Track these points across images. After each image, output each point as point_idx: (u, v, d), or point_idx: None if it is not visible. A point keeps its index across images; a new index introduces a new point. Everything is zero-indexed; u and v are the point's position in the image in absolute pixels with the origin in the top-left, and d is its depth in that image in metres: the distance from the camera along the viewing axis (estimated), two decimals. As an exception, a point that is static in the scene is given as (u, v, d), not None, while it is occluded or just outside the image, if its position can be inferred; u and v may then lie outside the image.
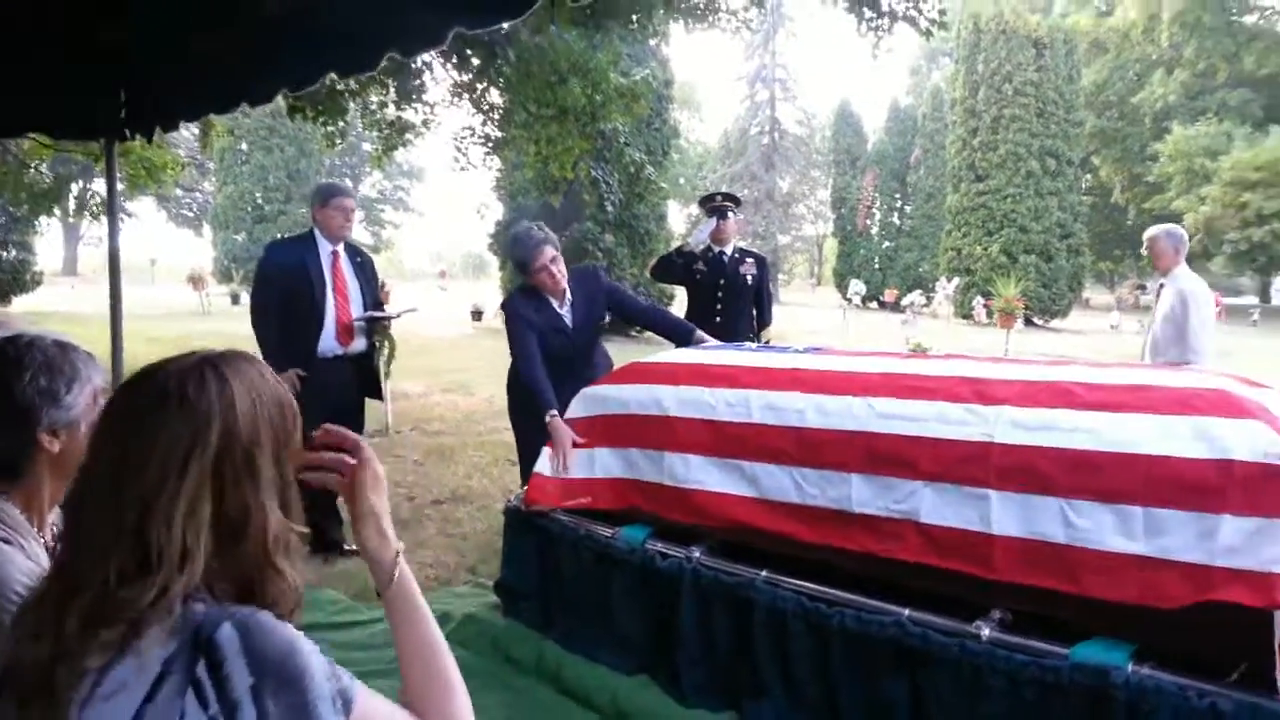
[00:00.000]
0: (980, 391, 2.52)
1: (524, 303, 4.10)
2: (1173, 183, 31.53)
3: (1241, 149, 28.72)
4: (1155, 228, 5.67)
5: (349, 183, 54.55)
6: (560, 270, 4.08)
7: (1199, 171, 30.09)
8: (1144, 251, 5.58)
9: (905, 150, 39.92)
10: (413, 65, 8.41)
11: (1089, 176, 38.21)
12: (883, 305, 34.17)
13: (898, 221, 40.59)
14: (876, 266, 39.39)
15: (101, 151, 3.81)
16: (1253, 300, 37.40)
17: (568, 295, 4.16)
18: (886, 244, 40.42)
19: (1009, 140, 29.40)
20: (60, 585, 1.01)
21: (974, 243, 29.53)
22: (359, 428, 4.84)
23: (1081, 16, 38.13)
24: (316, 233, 4.62)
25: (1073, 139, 30.69)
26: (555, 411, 3.61)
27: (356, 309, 4.68)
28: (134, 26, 2.36)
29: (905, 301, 30.21)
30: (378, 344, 5.16)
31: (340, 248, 4.68)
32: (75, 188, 19.93)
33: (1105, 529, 2.17)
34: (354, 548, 4.69)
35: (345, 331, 4.65)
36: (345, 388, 4.67)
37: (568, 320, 4.15)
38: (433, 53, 8.22)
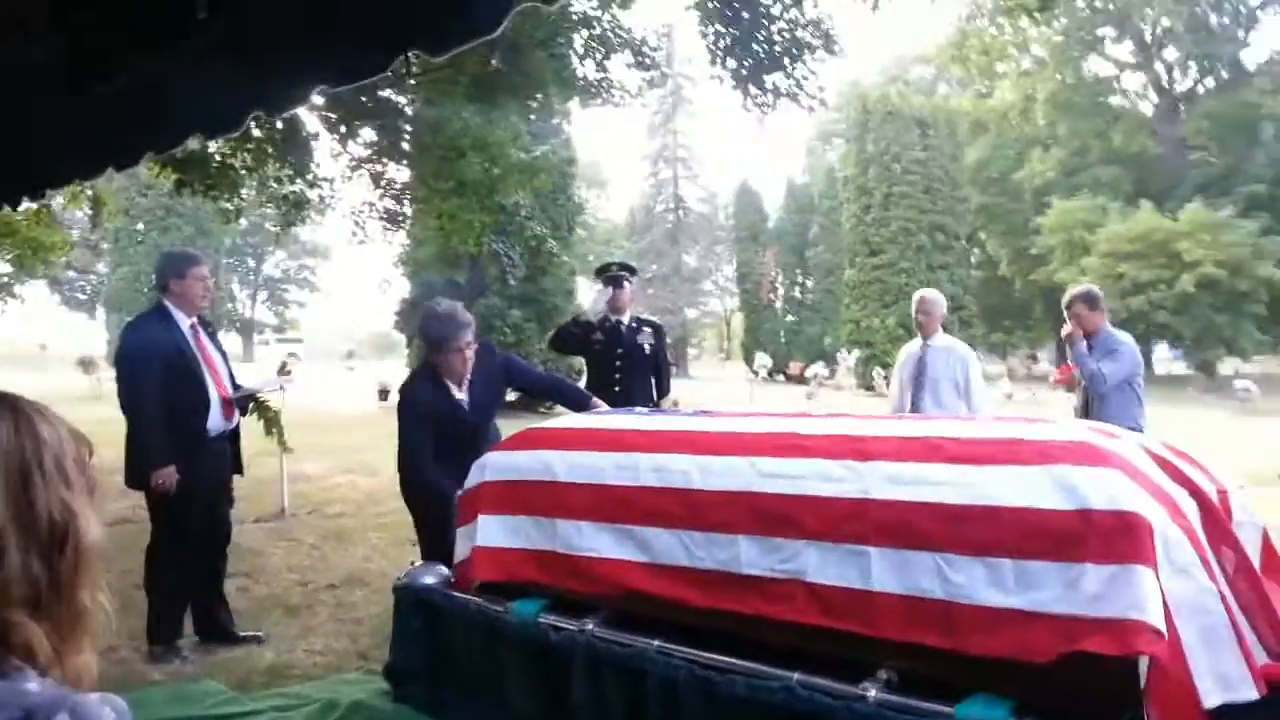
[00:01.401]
0: (857, 448, 2.56)
1: (423, 388, 4.04)
2: (1055, 254, 33.18)
3: (1116, 222, 30.49)
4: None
5: (250, 261, 53.50)
6: (470, 357, 4.04)
7: (1078, 243, 31.73)
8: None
9: (804, 226, 41.26)
10: (308, 140, 8.37)
11: (976, 250, 39.99)
12: (789, 378, 34.82)
13: (800, 296, 41.71)
14: (782, 340, 40.26)
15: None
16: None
17: (466, 379, 4.11)
18: (790, 318, 41.43)
19: (900, 216, 30.69)
20: None
21: (871, 315, 30.49)
22: (230, 504, 4.69)
23: (963, 98, 40.37)
24: (170, 308, 4.40)
25: (959, 215, 32.23)
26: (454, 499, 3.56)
27: (226, 383, 4.54)
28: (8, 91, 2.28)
29: (809, 374, 30.92)
30: (257, 419, 5.02)
31: (194, 320, 4.49)
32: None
33: (979, 582, 2.20)
34: (250, 633, 4.50)
35: (228, 407, 4.52)
36: (223, 466, 4.52)
37: (465, 405, 4.09)
38: (324, 128, 8.21)
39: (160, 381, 4.25)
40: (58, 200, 12.14)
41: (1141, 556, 1.98)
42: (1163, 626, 1.92)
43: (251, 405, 4.93)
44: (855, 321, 31.26)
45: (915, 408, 5.47)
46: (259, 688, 3.93)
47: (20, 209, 7.39)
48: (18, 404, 1.01)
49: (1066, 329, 5.28)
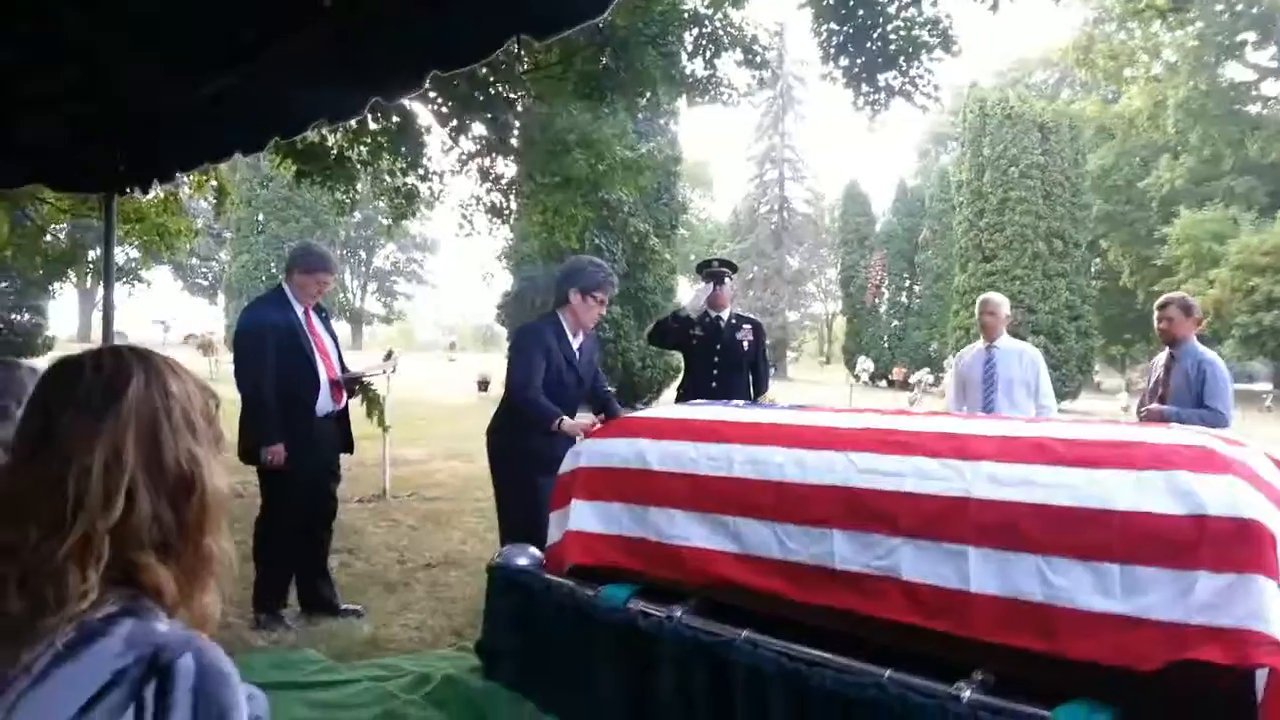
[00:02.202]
0: (958, 447, 2.50)
1: (547, 329, 4.27)
2: (1181, 266, 31.66)
3: (1248, 234, 28.90)
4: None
5: (362, 254, 55.29)
6: (602, 313, 4.38)
7: (1207, 255, 30.22)
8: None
9: (913, 230, 40.37)
10: (421, 134, 8.60)
11: (1097, 260, 38.44)
12: (891, 383, 34.14)
13: (906, 300, 40.83)
14: (885, 345, 39.50)
15: (100, 205, 3.87)
16: (1266, 386, 37.21)
17: (582, 335, 4.36)
18: (895, 322, 40.59)
19: (1015, 222, 29.67)
20: None
21: (981, 322, 29.62)
22: (337, 482, 4.84)
23: (1088, 103, 38.84)
24: (289, 294, 4.59)
25: (1080, 222, 30.97)
26: (561, 416, 3.80)
27: (336, 366, 4.70)
28: (132, 78, 2.43)
29: (913, 379, 30.19)
30: (360, 401, 5.20)
31: (309, 306, 4.68)
32: (93, 254, 20.25)
33: (1082, 587, 2.12)
34: (351, 607, 4.66)
35: (337, 389, 4.68)
36: (332, 445, 4.68)
37: (577, 356, 4.32)
38: (437, 122, 8.42)
39: (274, 361, 4.44)
40: (184, 189, 12.81)
41: (1262, 566, 1.88)
42: (1283, 639, 1.82)
43: (357, 387, 5.10)
44: (964, 328, 30.34)
45: (988, 409, 5.35)
46: (356, 658, 4.06)
47: (150, 194, 7.79)
48: (149, 358, 1.09)
49: (1146, 409, 4.95)
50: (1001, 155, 30.30)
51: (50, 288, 21.21)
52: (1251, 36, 35.51)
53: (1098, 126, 37.54)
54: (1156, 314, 5.08)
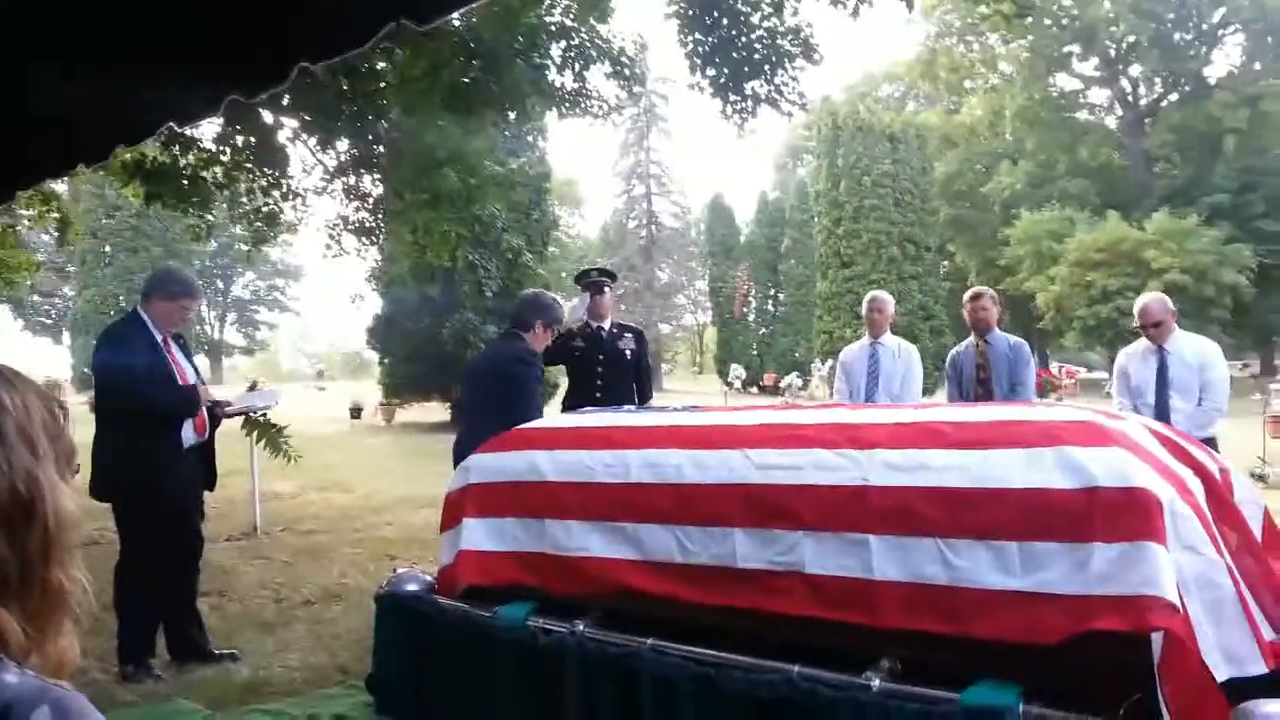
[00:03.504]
0: (853, 436, 2.52)
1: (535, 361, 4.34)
2: (1023, 265, 33.63)
3: (1084, 232, 30.96)
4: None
5: (219, 283, 52.97)
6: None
7: (1046, 254, 32.18)
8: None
9: (776, 240, 41.50)
10: (282, 150, 8.24)
11: (946, 262, 40.41)
12: (762, 389, 34.89)
13: (772, 309, 41.90)
14: (755, 352, 40.39)
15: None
16: (1103, 375, 39.88)
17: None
18: (763, 330, 41.59)
19: (871, 229, 30.97)
20: None
21: (844, 326, 30.63)
22: (202, 518, 4.56)
23: (932, 113, 40.92)
24: (147, 321, 4.30)
25: (929, 226, 32.57)
26: None
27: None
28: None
29: (783, 384, 31.04)
30: (256, 438, 4.97)
31: (166, 335, 4.39)
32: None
33: (983, 566, 2.16)
34: (225, 650, 4.37)
35: (200, 422, 4.41)
36: (196, 480, 4.41)
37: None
38: (300, 137, 8.09)
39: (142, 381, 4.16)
40: (23, 222, 11.94)
41: (1152, 532, 1.95)
42: (1177, 601, 1.89)
43: (246, 421, 4.86)
44: (828, 332, 31.43)
45: (870, 402, 5.57)
46: (235, 706, 3.81)
47: None
48: None
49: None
50: (855, 165, 31.59)
51: None
52: (1076, 49, 38.21)
53: (942, 136, 39.62)
54: (970, 305, 5.58)
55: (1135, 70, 38.71)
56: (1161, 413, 4.75)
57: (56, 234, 11.40)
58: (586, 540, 2.95)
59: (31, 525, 0.88)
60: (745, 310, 41.62)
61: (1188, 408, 4.84)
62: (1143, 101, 39.01)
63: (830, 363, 30.16)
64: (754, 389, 35.36)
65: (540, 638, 2.94)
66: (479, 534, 3.23)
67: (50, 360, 43.33)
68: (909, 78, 42.25)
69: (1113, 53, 38.04)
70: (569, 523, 3.00)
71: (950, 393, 5.73)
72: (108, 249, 34.18)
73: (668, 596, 2.75)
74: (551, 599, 3.05)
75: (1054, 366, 31.81)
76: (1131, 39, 36.78)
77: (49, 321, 47.48)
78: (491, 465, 3.29)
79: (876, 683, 2.26)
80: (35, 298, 42.30)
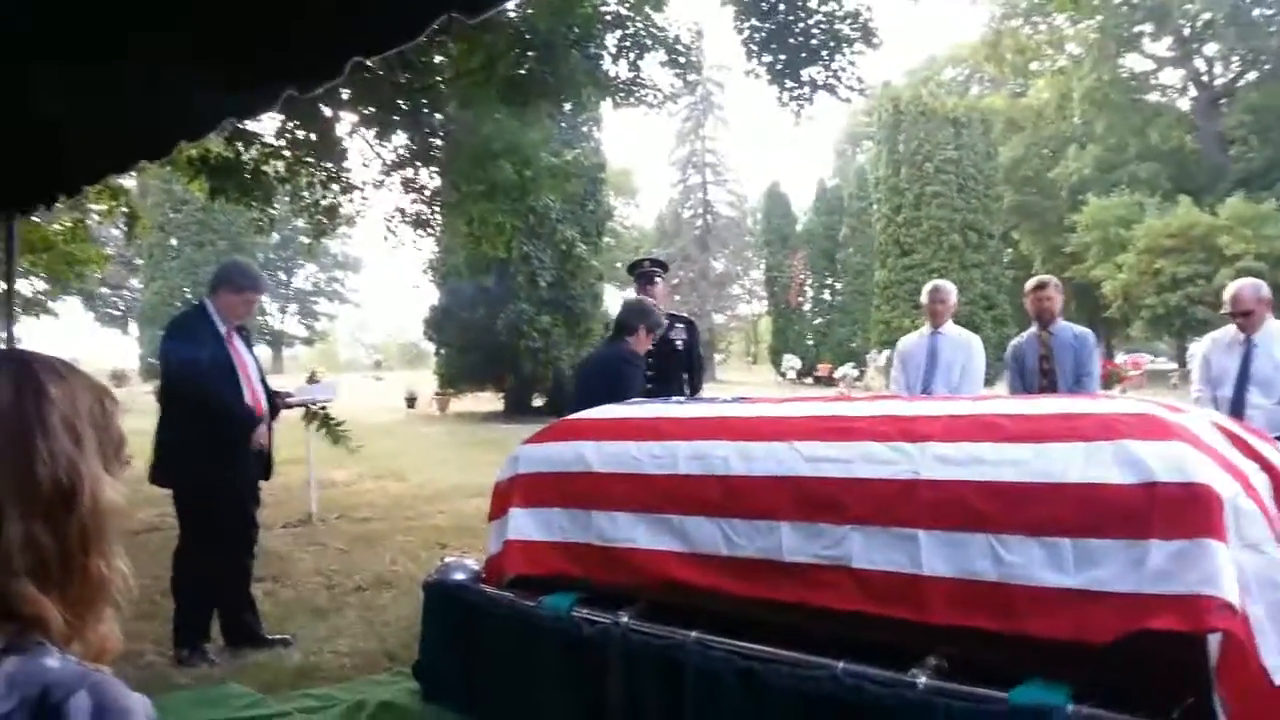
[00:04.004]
0: (905, 429, 2.47)
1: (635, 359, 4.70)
2: (1090, 252, 32.75)
3: (1153, 218, 30.02)
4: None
5: (281, 275, 54.11)
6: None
7: (1114, 241, 31.28)
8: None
9: (833, 229, 41.04)
10: (341, 143, 8.36)
11: (1010, 250, 39.56)
12: (817, 380, 34.59)
13: (829, 298, 41.45)
14: (810, 342, 40.04)
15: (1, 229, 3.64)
16: (1172, 365, 38.75)
17: None
18: (819, 320, 41.18)
19: (932, 216, 30.44)
20: None
21: (902, 315, 30.17)
22: (257, 506, 4.64)
23: (997, 97, 40.02)
24: (212, 313, 4.38)
25: (993, 213, 31.91)
26: None
27: (258, 387, 4.51)
28: (14, 86, 2.25)
29: (838, 375, 30.71)
30: (318, 428, 5.05)
31: (230, 327, 4.47)
32: (-3, 286, 19.28)
33: (1035, 563, 2.10)
34: (278, 636, 4.46)
35: (260, 413, 4.49)
36: (252, 469, 4.50)
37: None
38: (359, 129, 8.19)
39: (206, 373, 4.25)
40: (93, 217, 12.30)
41: (1212, 529, 1.87)
42: (1237, 601, 1.81)
43: (305, 413, 4.94)
44: (886, 322, 31.00)
45: (927, 394, 5.45)
46: (286, 690, 3.87)
47: (54, 211, 7.43)
48: (22, 360, 0.95)
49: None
50: (916, 151, 31.06)
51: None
52: (1148, 28, 37.04)
53: (1007, 120, 38.72)
54: (1034, 295, 5.38)
55: (1210, 49, 37.40)
56: (1238, 407, 4.56)
57: (125, 228, 11.72)
58: (632, 532, 2.94)
59: (72, 515, 0.90)
60: (801, 300, 41.25)
61: (1267, 404, 4.61)
62: (1218, 81, 37.67)
63: (887, 353, 29.76)
64: (809, 380, 35.08)
65: (584, 628, 2.94)
66: (526, 524, 3.23)
67: (118, 351, 44.75)
68: (973, 61, 41.40)
69: (1186, 31, 36.79)
70: (615, 514, 2.99)
71: (1012, 384, 5.58)
72: (174, 242, 35.09)
73: (712, 589, 2.72)
74: (596, 590, 3.05)
75: (1121, 357, 31.00)
76: (1206, 16, 35.54)
77: (117, 313, 48.94)
78: (539, 456, 3.30)
79: (923, 680, 2.21)
80: (104, 290, 43.61)
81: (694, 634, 2.70)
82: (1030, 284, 5.56)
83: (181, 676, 4.05)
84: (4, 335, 4.96)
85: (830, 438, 2.59)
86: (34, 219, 9.11)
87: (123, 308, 48.22)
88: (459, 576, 3.51)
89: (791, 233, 42.52)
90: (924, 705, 2.16)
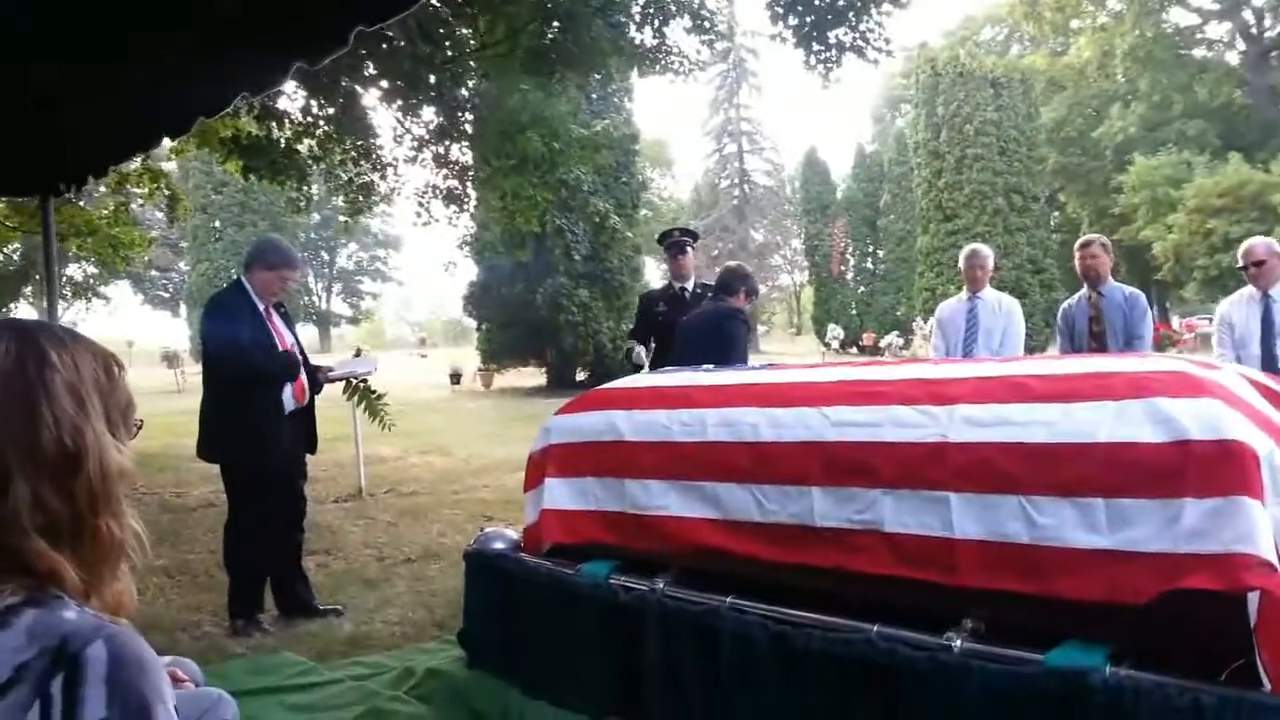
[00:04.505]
0: (933, 392, 2.45)
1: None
2: (1138, 213, 32.00)
3: (1203, 176, 29.21)
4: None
5: (324, 255, 54.70)
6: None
7: (1163, 201, 30.52)
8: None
9: (874, 195, 40.53)
10: (367, 119, 8.42)
11: (1056, 213, 38.77)
12: (861, 349, 34.34)
13: (871, 266, 41.02)
14: (853, 311, 39.69)
15: (38, 211, 3.73)
16: (1226, 326, 37.83)
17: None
18: (862, 289, 40.79)
19: (974, 180, 29.88)
20: None
21: (947, 282, 29.75)
22: (304, 479, 4.73)
23: (1037, 56, 39.06)
24: (250, 290, 4.45)
25: (1036, 176, 31.24)
26: None
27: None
28: (40, 75, 2.30)
29: (883, 344, 30.43)
30: (357, 401, 5.13)
31: (268, 304, 4.54)
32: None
33: (1067, 524, 2.08)
34: (329, 606, 4.56)
35: (300, 388, 4.56)
36: (297, 444, 4.57)
37: None
38: (384, 106, 8.24)
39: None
40: (136, 201, 12.53)
41: (1247, 486, 1.84)
42: (1275, 559, 1.78)
43: (349, 387, 5.02)
44: (930, 289, 30.58)
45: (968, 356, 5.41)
46: (338, 658, 3.97)
47: (86, 188, 7.60)
48: (27, 329, 0.98)
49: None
50: (956, 114, 30.47)
51: (6, 307, 20.75)
52: (1194, -19, 35.88)
53: (1048, 79, 37.80)
54: (1081, 254, 5.34)
55: (1259, 0, 36.11)
56: (1268, 363, 4.47)
57: (166, 210, 11.94)
58: (665, 499, 2.95)
59: (78, 477, 0.93)
60: (843, 269, 40.86)
61: None
62: (1268, 34, 36.39)
63: (931, 320, 29.41)
64: (853, 349, 34.83)
65: (621, 595, 2.96)
66: (561, 493, 3.27)
67: (170, 331, 45.70)
68: (1011, 19, 40.42)
69: (1234, -18, 35.58)
70: (647, 482, 3.01)
71: (1062, 347, 5.52)
72: (217, 224, 35.60)
73: (746, 555, 2.73)
74: (632, 557, 3.07)
75: (1176, 321, 30.30)
76: (1255, -34, 34.33)
77: (166, 295, 49.95)
78: (571, 425, 3.32)
79: (958, 643, 2.21)
80: (153, 273, 44.47)
81: (729, 599, 2.71)
82: (1078, 243, 5.51)
83: (237, 645, 4.17)
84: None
85: (858, 402, 2.58)
86: (79, 204, 9.32)
87: (171, 290, 49.18)
88: (498, 546, 3.56)
89: (831, 200, 42.07)
90: (959, 667, 2.16)
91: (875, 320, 37.70)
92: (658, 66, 8.16)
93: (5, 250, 13.25)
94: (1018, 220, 29.94)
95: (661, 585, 2.90)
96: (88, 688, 0.84)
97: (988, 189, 29.87)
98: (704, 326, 4.89)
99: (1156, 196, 30.89)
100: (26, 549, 0.90)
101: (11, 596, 0.88)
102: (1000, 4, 41.32)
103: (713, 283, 5.77)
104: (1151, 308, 5.75)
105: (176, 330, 44.62)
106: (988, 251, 5.73)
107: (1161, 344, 19.99)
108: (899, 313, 36.78)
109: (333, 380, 4.83)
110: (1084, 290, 5.39)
